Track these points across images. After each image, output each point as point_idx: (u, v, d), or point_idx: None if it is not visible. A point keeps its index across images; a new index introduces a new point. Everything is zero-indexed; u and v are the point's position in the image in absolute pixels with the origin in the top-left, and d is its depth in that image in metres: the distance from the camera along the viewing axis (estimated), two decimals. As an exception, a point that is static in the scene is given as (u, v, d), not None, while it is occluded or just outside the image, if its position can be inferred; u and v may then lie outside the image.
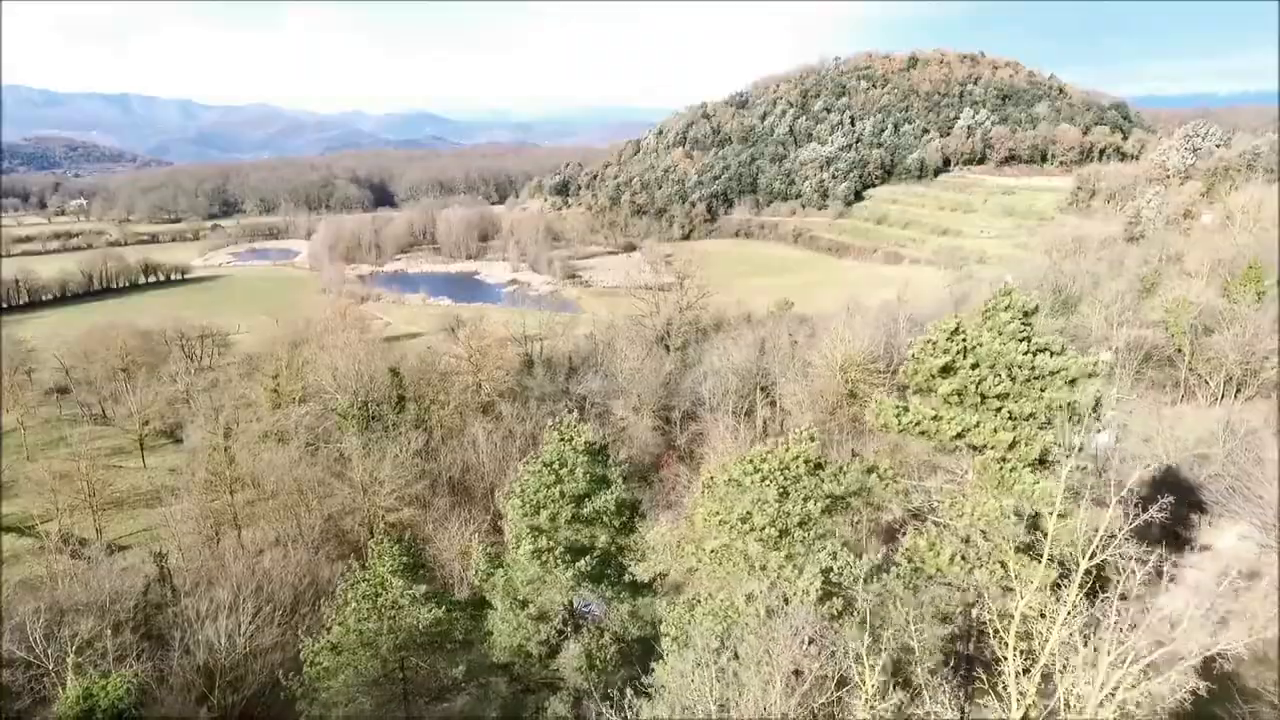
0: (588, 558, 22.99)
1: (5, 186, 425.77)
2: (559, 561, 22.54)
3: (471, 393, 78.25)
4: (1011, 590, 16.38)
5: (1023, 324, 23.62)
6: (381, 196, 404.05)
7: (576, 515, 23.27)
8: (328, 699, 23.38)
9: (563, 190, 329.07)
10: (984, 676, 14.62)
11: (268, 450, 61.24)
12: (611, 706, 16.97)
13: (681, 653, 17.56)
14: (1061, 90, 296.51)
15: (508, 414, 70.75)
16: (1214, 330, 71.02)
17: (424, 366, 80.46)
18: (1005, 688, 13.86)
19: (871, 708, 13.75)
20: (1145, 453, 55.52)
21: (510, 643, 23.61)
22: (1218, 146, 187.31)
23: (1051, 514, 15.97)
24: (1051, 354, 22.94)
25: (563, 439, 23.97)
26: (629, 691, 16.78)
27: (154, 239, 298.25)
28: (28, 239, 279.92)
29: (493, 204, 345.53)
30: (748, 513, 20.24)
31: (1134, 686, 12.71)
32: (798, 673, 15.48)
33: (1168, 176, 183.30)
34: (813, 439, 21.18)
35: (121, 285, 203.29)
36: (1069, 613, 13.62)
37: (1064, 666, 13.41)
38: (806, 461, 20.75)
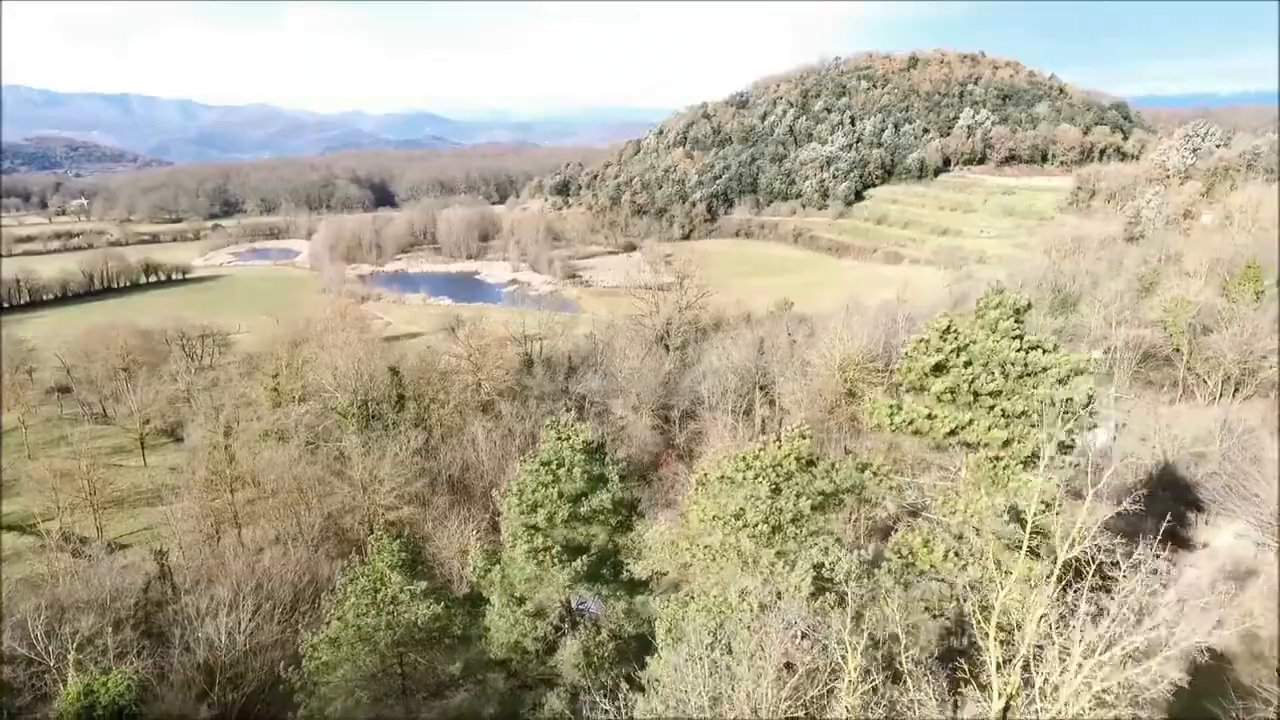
0: (584, 557, 23.15)
1: (6, 186, 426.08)
2: (556, 561, 22.71)
3: (471, 392, 78.45)
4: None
5: (1014, 322, 23.80)
6: (382, 196, 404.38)
7: (574, 514, 23.43)
8: (326, 693, 23.56)
9: (563, 190, 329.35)
10: (966, 667, 14.78)
11: (268, 449, 61.43)
12: (608, 699, 17.14)
13: (675, 647, 17.75)
14: (1062, 90, 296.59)
15: (507, 413, 70.97)
16: (1212, 330, 71.24)
17: (424, 366, 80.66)
18: (988, 679, 14.01)
19: (854, 690, 13.91)
20: (1142, 451, 55.81)
21: (507, 639, 23.79)
22: (1218, 146, 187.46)
23: (1031, 507, 16.10)
24: (1043, 351, 23.12)
25: (560, 438, 24.14)
26: (624, 686, 16.95)
27: (155, 239, 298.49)
28: (29, 239, 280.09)
29: (493, 204, 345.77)
30: (741, 509, 20.41)
31: (1103, 677, 12.83)
32: (790, 666, 15.67)
33: (1168, 176, 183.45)
34: (805, 437, 21.35)
35: (122, 285, 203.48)
36: (1047, 605, 13.77)
37: (1037, 657, 13.55)
38: (799, 459, 20.92)
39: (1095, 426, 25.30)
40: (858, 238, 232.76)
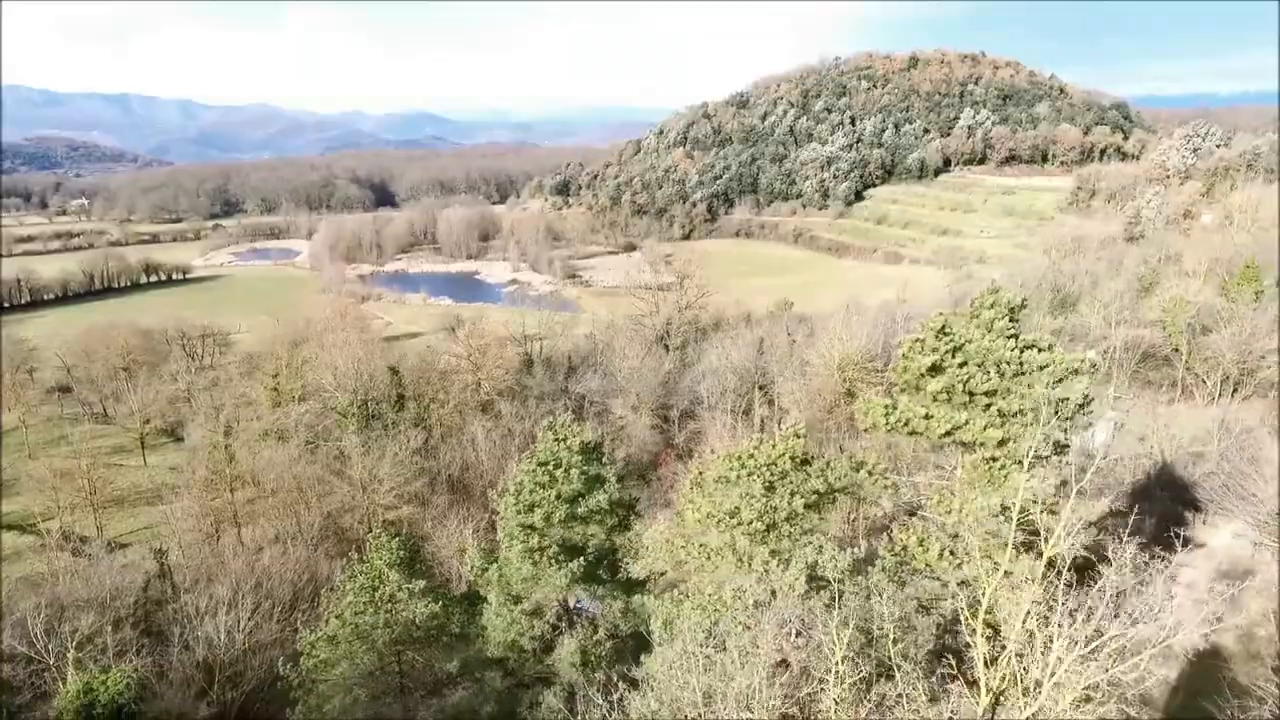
0: (581, 558, 23.23)
1: (6, 186, 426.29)
2: (552, 562, 22.80)
3: (471, 391, 78.56)
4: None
5: (1009, 321, 23.86)
6: (382, 196, 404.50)
7: (571, 514, 23.51)
8: (324, 690, 23.65)
9: (563, 190, 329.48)
10: (953, 663, 14.85)
11: (268, 448, 61.54)
12: (603, 697, 17.23)
13: (670, 645, 17.84)
14: (1062, 90, 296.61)
15: (507, 413, 71.08)
16: (1211, 330, 71.29)
17: (424, 365, 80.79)
18: (975, 675, 14.09)
19: (841, 682, 13.99)
20: (1141, 451, 55.88)
21: (504, 638, 23.88)
22: (1218, 147, 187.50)
23: (1016, 505, 16.18)
24: (1039, 350, 23.18)
25: (557, 440, 24.21)
26: (620, 684, 17.04)
27: (155, 239, 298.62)
28: (29, 239, 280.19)
29: (493, 204, 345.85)
30: (736, 508, 20.49)
31: (1089, 673, 12.89)
32: (784, 663, 15.75)
33: (1168, 176, 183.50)
34: (799, 436, 21.43)
35: (123, 285, 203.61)
36: (1031, 602, 13.84)
37: (1024, 654, 13.62)
38: (793, 458, 21.00)
39: (1090, 426, 25.33)
40: (858, 238, 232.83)
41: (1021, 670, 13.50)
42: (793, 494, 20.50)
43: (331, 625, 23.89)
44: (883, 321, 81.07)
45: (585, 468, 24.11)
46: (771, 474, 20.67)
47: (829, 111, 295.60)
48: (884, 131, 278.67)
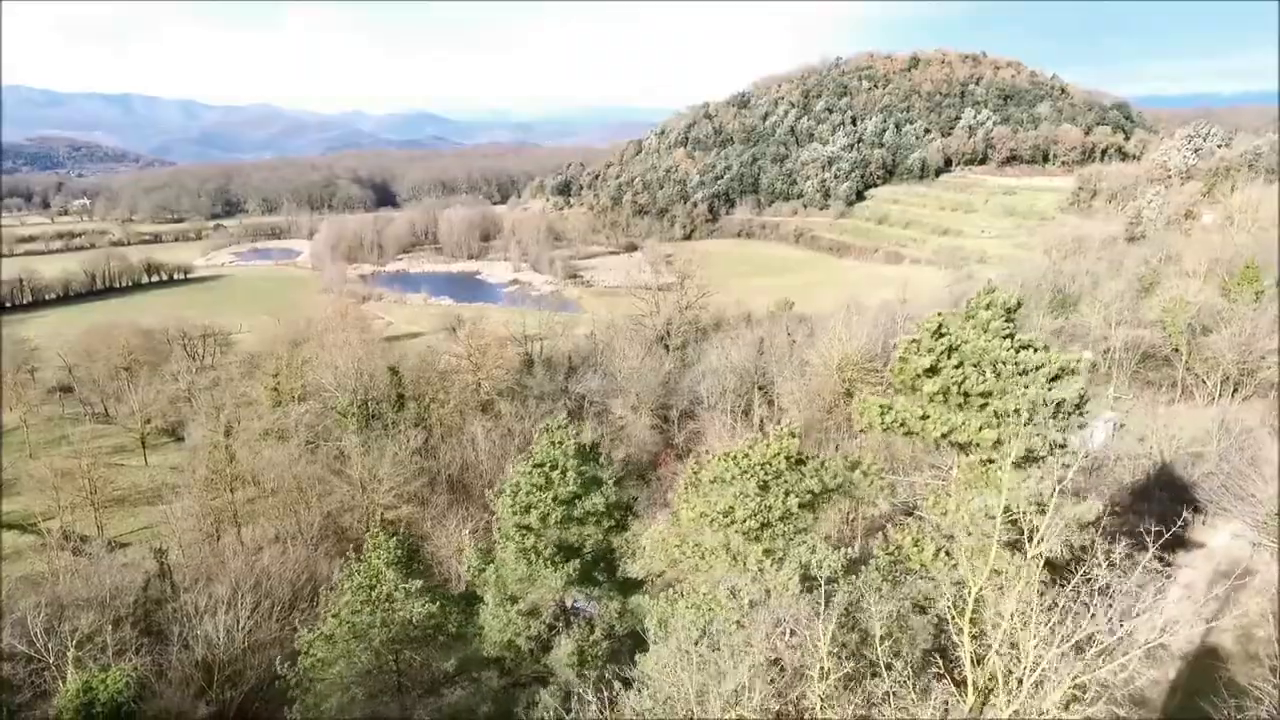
0: (577, 559, 23.29)
1: (9, 187, 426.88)
2: (548, 563, 22.85)
3: (471, 391, 78.64)
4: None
5: (1005, 321, 23.88)
6: (383, 196, 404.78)
7: (567, 516, 23.57)
8: (322, 689, 23.71)
9: (564, 190, 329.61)
10: (941, 663, 14.90)
11: (268, 448, 61.66)
12: (598, 696, 17.28)
13: (664, 644, 17.89)
14: (1063, 90, 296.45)
15: (507, 412, 71.18)
16: (1211, 330, 71.30)
17: (424, 365, 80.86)
18: (962, 675, 14.12)
19: (826, 677, 14.03)
20: (1140, 451, 55.90)
21: (500, 638, 23.93)
22: (1219, 147, 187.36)
23: (999, 505, 16.22)
24: (1034, 350, 23.21)
25: (553, 442, 24.27)
26: (615, 684, 17.10)
27: (157, 239, 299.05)
28: (31, 239, 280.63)
29: (494, 204, 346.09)
30: (730, 507, 20.53)
31: (1076, 673, 12.92)
32: (778, 663, 15.78)
33: (1169, 177, 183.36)
34: (794, 435, 21.47)
35: (124, 285, 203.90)
36: (1016, 601, 13.87)
37: (1012, 654, 13.64)
38: (788, 458, 21.04)
39: (1085, 425, 25.34)
40: (859, 238, 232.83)
41: (1004, 670, 13.52)
42: (787, 493, 20.55)
43: (329, 624, 23.96)
44: (883, 321, 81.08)
45: (582, 470, 24.16)
46: (766, 473, 20.72)
47: (830, 111, 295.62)
48: (885, 131, 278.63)
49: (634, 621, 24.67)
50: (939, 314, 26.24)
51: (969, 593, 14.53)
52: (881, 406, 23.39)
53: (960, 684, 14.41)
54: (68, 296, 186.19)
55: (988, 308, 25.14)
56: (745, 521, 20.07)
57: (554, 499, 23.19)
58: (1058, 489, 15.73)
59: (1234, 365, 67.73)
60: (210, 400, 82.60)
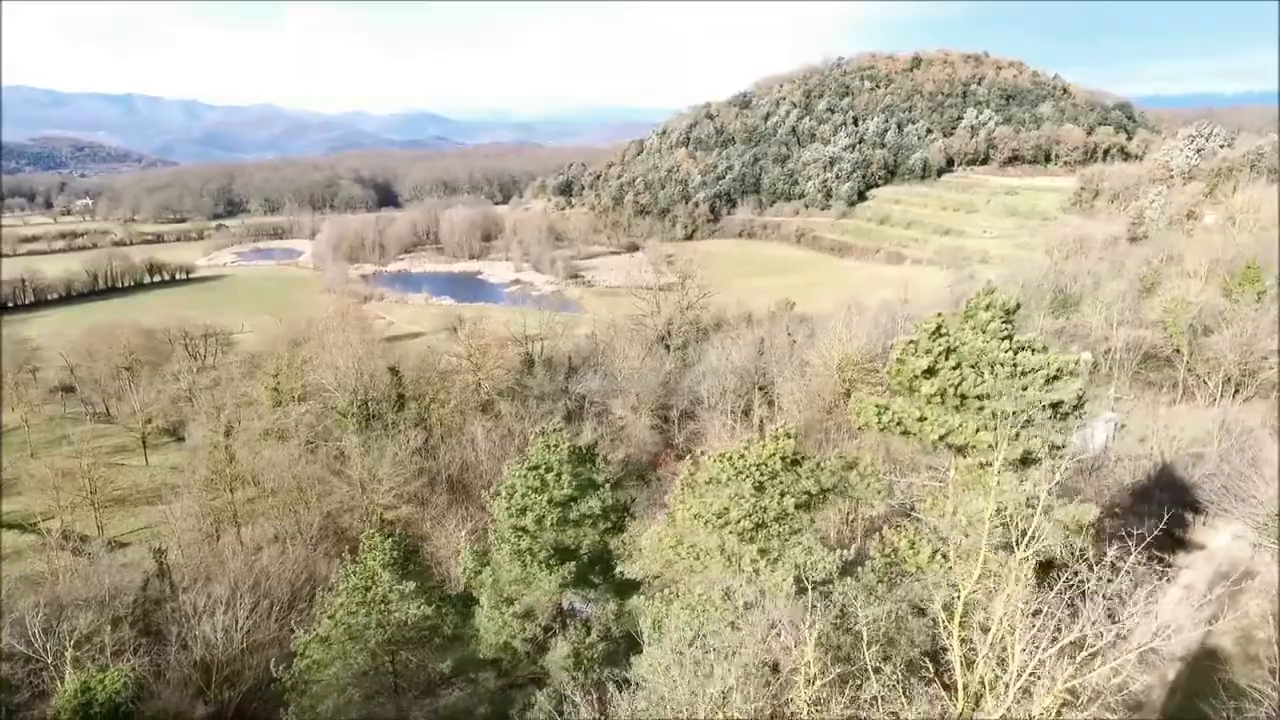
0: (573, 562, 23.26)
1: (11, 186, 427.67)
2: (543, 565, 22.84)
3: (471, 391, 78.63)
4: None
5: (1004, 322, 23.81)
6: (385, 196, 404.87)
7: (563, 518, 23.54)
8: (318, 691, 23.70)
9: (566, 190, 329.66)
10: (931, 667, 14.84)
11: (268, 448, 61.67)
12: (593, 698, 17.26)
13: (658, 646, 17.86)
14: (1065, 90, 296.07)
15: (507, 413, 71.17)
16: (1213, 331, 71.14)
17: (424, 365, 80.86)
18: (952, 679, 14.07)
19: (812, 684, 13.99)
20: (1141, 452, 55.79)
21: (496, 640, 23.90)
22: (1222, 147, 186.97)
23: (989, 507, 16.18)
24: (1032, 352, 23.14)
25: (548, 445, 24.25)
26: (610, 686, 17.07)
27: (159, 239, 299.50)
28: (34, 238, 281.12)
29: (496, 204, 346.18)
30: (725, 508, 20.49)
31: (1067, 676, 12.86)
32: (773, 665, 15.74)
33: (1171, 177, 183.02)
34: (790, 436, 21.43)
35: (126, 285, 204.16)
36: (1005, 604, 13.80)
37: (1001, 658, 13.58)
38: (783, 458, 20.99)
39: (1084, 426, 25.26)
40: (860, 238, 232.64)
41: (992, 675, 13.45)
42: (783, 494, 20.50)
43: (324, 626, 23.94)
44: (883, 322, 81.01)
45: (577, 472, 24.13)
46: (762, 474, 20.67)
47: (832, 112, 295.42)
48: (887, 132, 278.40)
49: (631, 623, 24.64)
50: (938, 315, 26.19)
51: (959, 596, 14.47)
52: (878, 407, 23.33)
53: (951, 688, 14.36)
54: (70, 296, 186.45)
55: (987, 309, 25.08)
56: (740, 522, 20.03)
57: (549, 501, 23.17)
58: (1050, 492, 15.65)
59: (1235, 366, 67.60)
60: (211, 400, 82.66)
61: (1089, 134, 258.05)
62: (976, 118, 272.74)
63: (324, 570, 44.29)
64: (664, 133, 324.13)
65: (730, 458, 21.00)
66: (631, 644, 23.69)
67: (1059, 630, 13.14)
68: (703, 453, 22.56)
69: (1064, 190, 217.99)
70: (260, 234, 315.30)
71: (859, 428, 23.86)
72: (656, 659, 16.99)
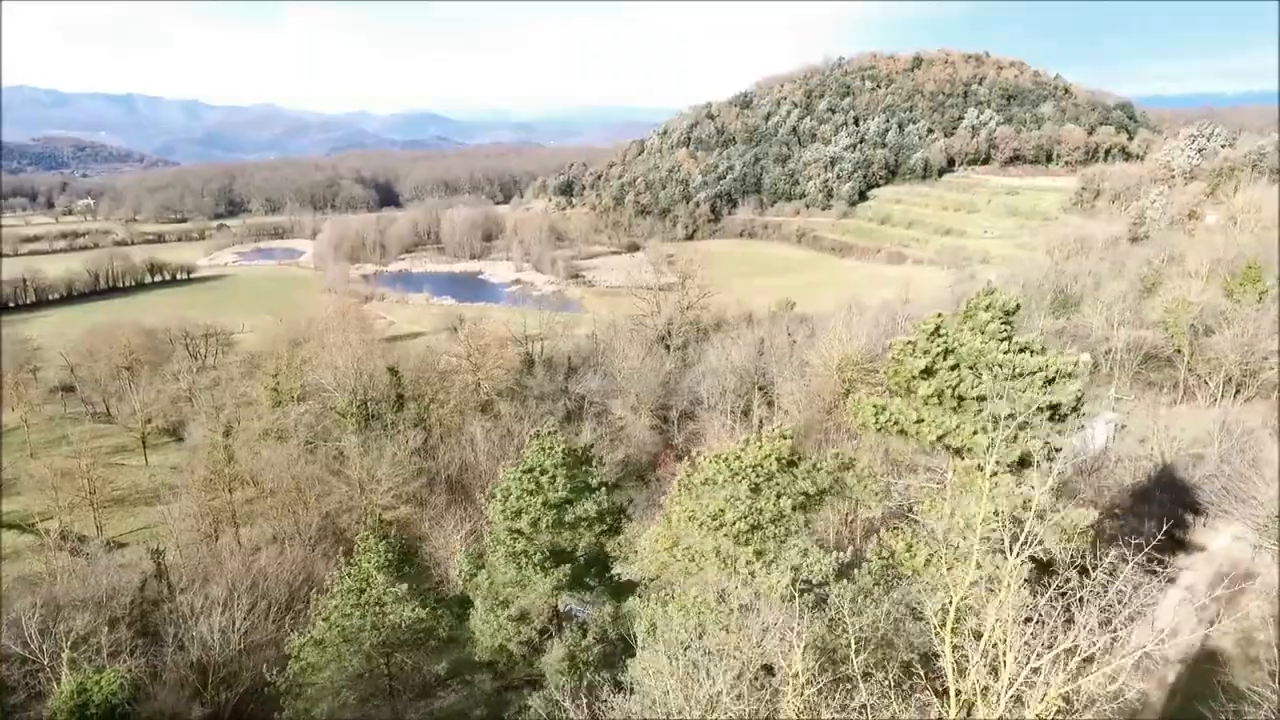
0: (568, 564, 23.16)
1: (13, 186, 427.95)
2: (538, 568, 22.74)
3: (471, 392, 78.55)
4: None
5: (1003, 324, 23.67)
6: (386, 196, 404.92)
7: (558, 520, 23.45)
8: (313, 694, 23.60)
9: (567, 190, 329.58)
10: (922, 673, 14.72)
11: (267, 448, 61.61)
12: (587, 702, 17.16)
13: (654, 649, 17.76)
14: (1067, 90, 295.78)
15: (506, 413, 71.08)
16: (1214, 331, 70.94)
17: (423, 366, 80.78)
18: (944, 686, 13.96)
19: (800, 693, 13.89)
20: (1141, 452, 55.64)
21: (491, 643, 23.81)
22: (1223, 147, 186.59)
23: (980, 512, 16.05)
24: (1031, 353, 23.01)
25: (542, 448, 24.15)
26: (603, 690, 16.98)
27: (160, 238, 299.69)
28: (35, 238, 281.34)
29: (497, 204, 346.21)
30: (720, 509, 20.38)
31: (1060, 683, 12.73)
32: (769, 668, 15.65)
33: (1173, 177, 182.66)
34: (785, 437, 21.31)
35: (127, 284, 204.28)
36: (996, 611, 13.67)
37: (993, 664, 13.47)
38: (779, 459, 20.88)
39: (1082, 428, 25.13)
40: (861, 238, 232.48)
41: (984, 682, 13.33)
42: (779, 496, 20.39)
43: (318, 628, 23.84)
44: (883, 322, 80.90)
45: (572, 475, 24.03)
46: (757, 476, 20.56)
47: (833, 111, 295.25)
48: (888, 131, 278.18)
49: (627, 625, 24.55)
50: (937, 315, 26.07)
51: (950, 602, 14.36)
52: (876, 407, 23.22)
53: (944, 694, 14.24)
54: (71, 296, 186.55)
55: (986, 309, 24.96)
56: (735, 524, 19.92)
57: (544, 504, 23.08)
58: (1043, 496, 15.53)
59: (1236, 366, 67.40)
60: (210, 400, 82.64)
61: (1090, 134, 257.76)
62: (977, 118, 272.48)
63: (322, 571, 44.19)
64: (665, 133, 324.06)
65: (726, 459, 20.89)
66: (628, 646, 23.61)
67: (1053, 637, 13.02)
68: (699, 453, 22.40)
69: (1065, 190, 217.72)
70: (261, 234, 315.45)
71: (857, 428, 23.72)
72: (650, 662, 16.90)
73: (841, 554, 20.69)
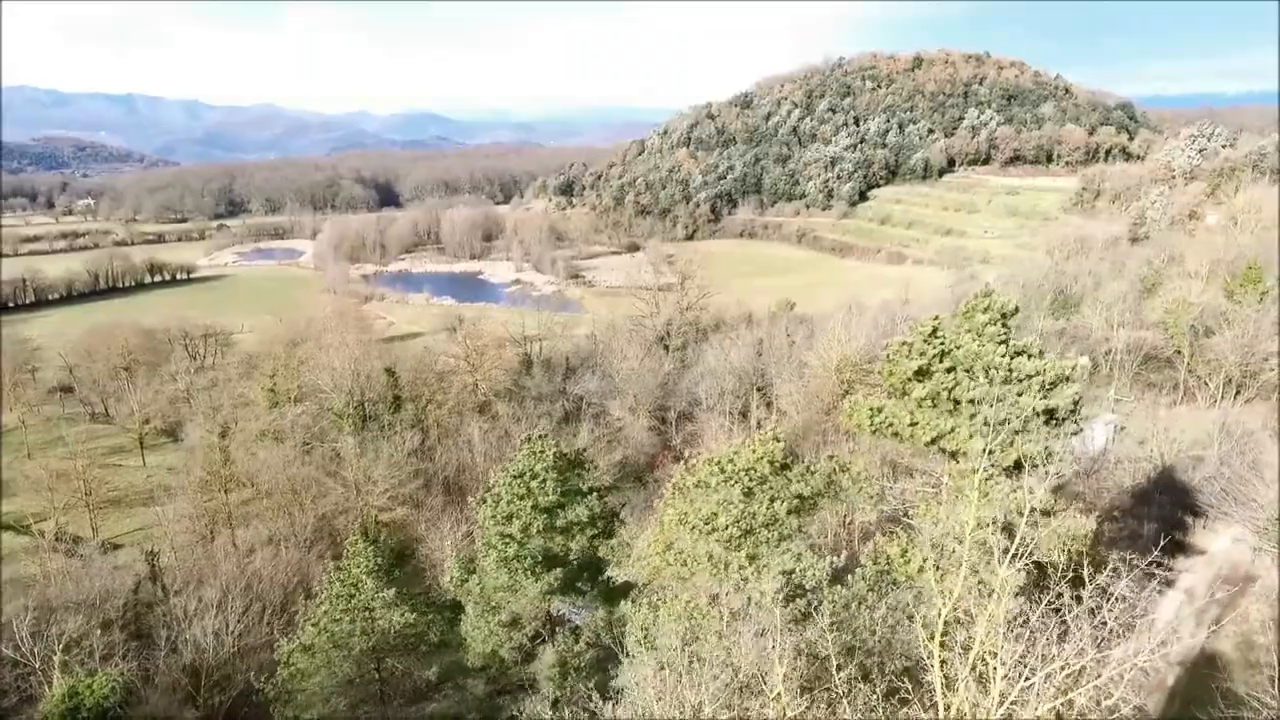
0: (559, 569, 22.95)
1: (14, 186, 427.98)
2: (529, 573, 22.54)
3: (468, 393, 78.33)
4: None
5: (1001, 326, 23.43)
6: (386, 196, 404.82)
7: (549, 525, 23.25)
8: (303, 700, 23.39)
9: (567, 190, 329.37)
10: (909, 687, 14.48)
11: (264, 449, 61.40)
12: (579, 707, 16.97)
13: (646, 655, 17.56)
14: (1067, 90, 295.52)
15: (504, 414, 70.85)
16: (1214, 332, 70.68)
17: (421, 366, 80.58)
18: (932, 699, 13.74)
19: (778, 698, 13.65)
20: (1141, 454, 55.38)
21: (483, 649, 23.61)
22: (1224, 147, 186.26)
23: (970, 521, 15.85)
24: (1029, 357, 22.77)
25: (533, 452, 23.95)
26: (596, 695, 16.77)
27: (160, 238, 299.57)
28: (35, 238, 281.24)
29: (497, 204, 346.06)
30: (713, 513, 20.17)
31: (1051, 696, 12.52)
32: (756, 676, 15.42)
33: (1173, 177, 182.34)
34: (778, 440, 21.09)
35: (127, 285, 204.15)
36: (987, 622, 13.46)
37: (982, 676, 13.25)
38: (771, 462, 20.66)
39: (1079, 433, 24.90)
40: (861, 238, 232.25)
41: (973, 699, 13.11)
42: (772, 499, 20.18)
43: (307, 633, 23.63)
44: (883, 322, 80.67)
45: (564, 479, 23.82)
46: (750, 479, 20.34)
47: (833, 112, 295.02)
48: (888, 132, 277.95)
49: (621, 630, 24.34)
50: (934, 317, 25.86)
51: (939, 615, 14.14)
52: (871, 409, 22.99)
53: (933, 708, 14.02)
54: (71, 296, 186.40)
55: (984, 311, 24.73)
56: (728, 529, 19.71)
57: (534, 507, 22.87)
58: (1037, 502, 15.29)
59: (1236, 367, 67.15)
60: (208, 401, 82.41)
61: (1090, 134, 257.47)
62: (978, 118, 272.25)
63: (317, 573, 43.97)
64: (665, 133, 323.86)
65: (719, 462, 20.67)
66: (622, 651, 23.38)
67: (1047, 650, 12.77)
68: (695, 454, 22.17)
69: (1065, 190, 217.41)
70: (261, 234, 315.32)
71: (853, 429, 23.49)
72: (639, 669, 16.70)
73: (836, 559, 20.46)
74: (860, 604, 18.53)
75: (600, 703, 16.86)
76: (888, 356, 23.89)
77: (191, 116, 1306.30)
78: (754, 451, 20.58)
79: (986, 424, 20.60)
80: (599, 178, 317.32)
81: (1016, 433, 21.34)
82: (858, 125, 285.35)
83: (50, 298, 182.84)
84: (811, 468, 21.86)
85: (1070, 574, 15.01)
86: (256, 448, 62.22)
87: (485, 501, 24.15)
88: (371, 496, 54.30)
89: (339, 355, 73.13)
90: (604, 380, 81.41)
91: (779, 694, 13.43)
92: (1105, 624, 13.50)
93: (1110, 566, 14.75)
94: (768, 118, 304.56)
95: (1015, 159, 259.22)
